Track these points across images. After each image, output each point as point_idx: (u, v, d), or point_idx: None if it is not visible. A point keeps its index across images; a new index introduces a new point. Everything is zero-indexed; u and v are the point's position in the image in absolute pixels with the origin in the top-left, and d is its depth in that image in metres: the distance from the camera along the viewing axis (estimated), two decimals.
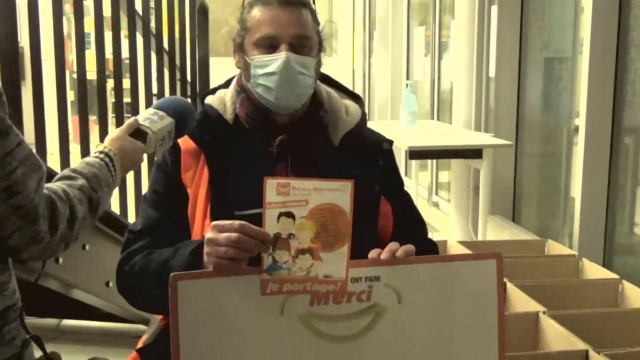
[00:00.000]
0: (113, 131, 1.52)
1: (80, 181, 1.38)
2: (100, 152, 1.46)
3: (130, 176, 3.04)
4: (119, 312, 3.16)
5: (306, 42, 1.59)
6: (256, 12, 1.60)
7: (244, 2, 1.65)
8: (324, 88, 1.72)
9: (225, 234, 1.34)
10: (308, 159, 1.62)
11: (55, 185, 1.35)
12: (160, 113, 1.55)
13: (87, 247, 2.69)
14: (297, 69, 1.57)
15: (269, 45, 1.58)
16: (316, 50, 1.63)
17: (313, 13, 1.64)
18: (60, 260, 2.53)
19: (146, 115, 1.55)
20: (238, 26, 1.66)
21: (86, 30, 2.96)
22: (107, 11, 3.03)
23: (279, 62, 1.57)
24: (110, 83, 3.26)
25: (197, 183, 1.60)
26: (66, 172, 1.42)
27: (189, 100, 2.84)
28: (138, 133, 1.51)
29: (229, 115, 1.66)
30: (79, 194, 1.36)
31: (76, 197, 1.34)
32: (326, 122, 1.68)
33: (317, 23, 1.65)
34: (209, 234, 1.38)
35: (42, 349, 1.44)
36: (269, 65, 1.58)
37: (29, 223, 1.24)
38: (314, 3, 1.67)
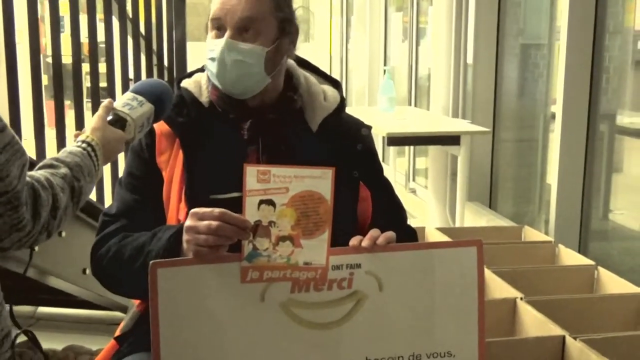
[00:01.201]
0: (92, 119, 1.49)
1: (63, 170, 1.36)
2: (83, 142, 1.44)
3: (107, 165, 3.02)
4: (96, 299, 3.13)
5: (251, 25, 1.54)
6: None
7: None
8: (302, 73, 1.71)
9: (206, 222, 1.33)
10: (280, 142, 1.61)
11: (38, 173, 1.34)
12: (140, 98, 1.51)
13: (63, 234, 2.66)
14: (234, 56, 1.54)
15: (218, 28, 1.56)
16: (270, 37, 1.56)
17: None
18: (36, 247, 2.49)
19: (125, 101, 1.51)
20: None
21: (61, 13, 2.91)
22: None
23: (219, 48, 1.54)
24: (85, 67, 3.21)
25: (172, 166, 1.59)
26: (49, 160, 1.40)
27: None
28: (117, 120, 1.49)
29: (204, 99, 1.64)
30: (61, 183, 1.34)
31: (59, 186, 1.33)
32: (300, 106, 1.66)
33: (281, 10, 1.58)
34: (188, 222, 1.37)
35: (36, 344, 1.43)
36: (213, 50, 1.56)
37: (11, 210, 1.22)
38: None
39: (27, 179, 1.26)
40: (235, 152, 1.57)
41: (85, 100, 3.23)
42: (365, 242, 1.39)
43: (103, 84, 3.21)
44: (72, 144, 1.45)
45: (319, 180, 1.32)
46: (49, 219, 1.30)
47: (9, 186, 1.21)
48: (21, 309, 3.62)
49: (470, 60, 4.53)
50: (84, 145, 1.43)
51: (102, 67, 3.20)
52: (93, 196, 2.98)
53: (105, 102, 1.51)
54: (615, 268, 2.86)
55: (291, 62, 1.70)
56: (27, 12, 2.63)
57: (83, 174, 1.39)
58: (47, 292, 2.94)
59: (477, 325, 1.46)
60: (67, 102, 3.29)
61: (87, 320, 3.69)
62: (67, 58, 2.91)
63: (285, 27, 1.60)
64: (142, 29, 3.56)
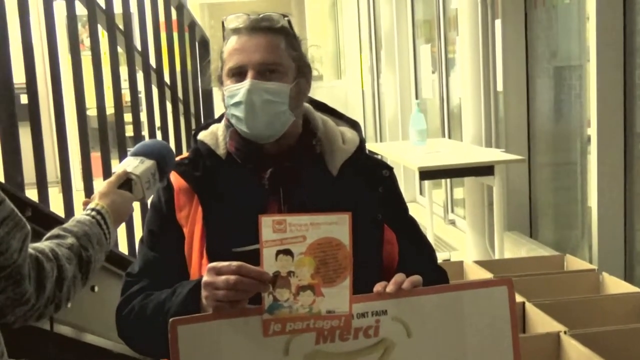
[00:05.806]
0: (102, 185, 1.49)
1: (70, 240, 1.34)
2: (92, 210, 1.43)
3: (137, 217, 3.02)
4: (131, 353, 3.10)
5: (274, 67, 1.53)
6: (229, 43, 1.58)
7: (223, 34, 1.61)
8: (319, 116, 1.67)
9: (224, 277, 1.30)
10: (301, 190, 1.57)
11: (43, 244, 1.31)
12: (140, 158, 1.54)
13: (96, 288, 2.65)
14: (264, 96, 1.52)
15: (238, 74, 1.54)
16: (291, 76, 1.56)
17: (288, 38, 1.57)
18: (69, 304, 2.48)
19: (127, 163, 1.53)
20: None
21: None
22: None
23: (244, 91, 1.52)
24: (112, 119, 3.23)
25: (192, 221, 1.57)
26: (55, 231, 1.37)
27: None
28: (124, 181, 1.49)
29: (221, 150, 1.62)
30: (67, 253, 1.31)
31: (65, 256, 1.30)
32: (320, 151, 1.63)
33: (294, 49, 1.58)
34: (206, 277, 1.34)
35: None
36: (236, 94, 1.54)
37: (13, 284, 1.19)
38: (289, 25, 1.60)
39: (31, 251, 1.24)
40: (256, 203, 1.54)
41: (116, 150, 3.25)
42: (390, 288, 1.35)
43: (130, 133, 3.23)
44: (82, 213, 1.44)
45: (336, 226, 1.28)
46: (54, 292, 1.27)
47: (9, 260, 1.18)
48: None
49: (500, 87, 4.46)
50: (93, 213, 1.42)
51: (128, 117, 3.22)
52: (124, 249, 2.98)
53: (118, 172, 1.51)
54: None
55: (308, 105, 1.67)
56: (49, 66, 2.65)
57: (92, 242, 1.37)
58: (81, 347, 2.92)
59: None
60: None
61: None
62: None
63: (301, 67, 1.59)
64: (167, 79, 3.59)
